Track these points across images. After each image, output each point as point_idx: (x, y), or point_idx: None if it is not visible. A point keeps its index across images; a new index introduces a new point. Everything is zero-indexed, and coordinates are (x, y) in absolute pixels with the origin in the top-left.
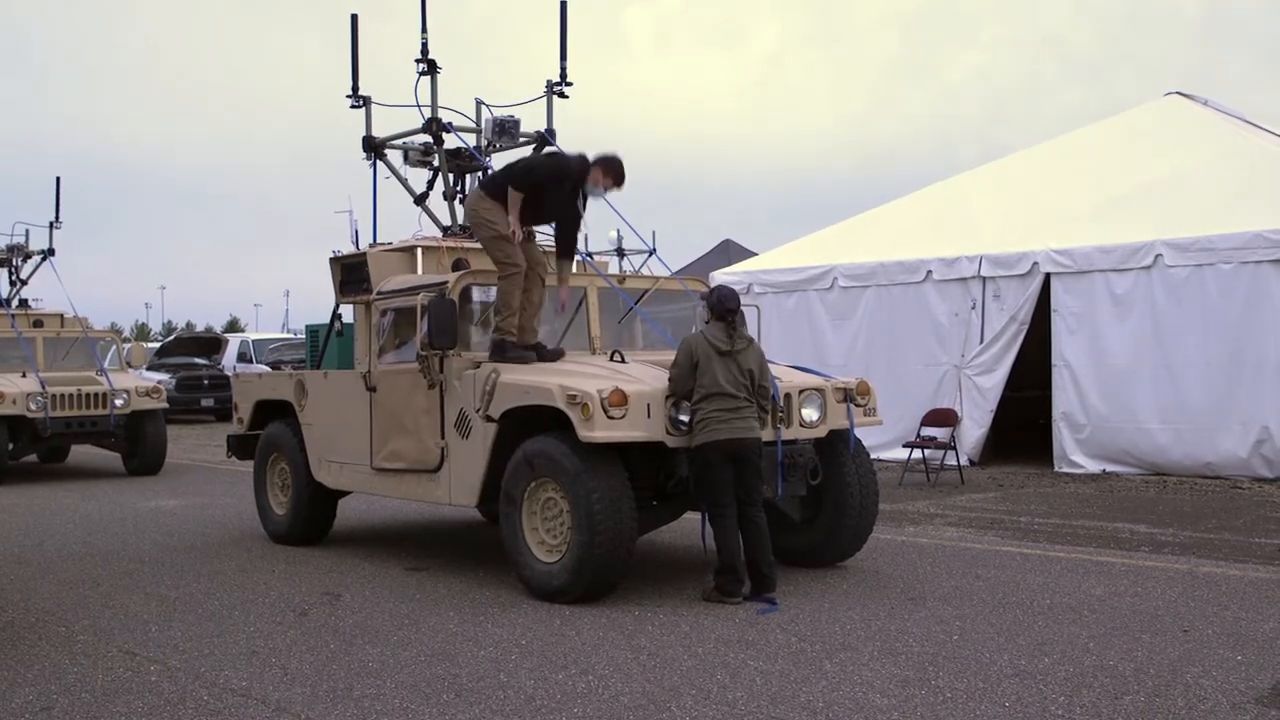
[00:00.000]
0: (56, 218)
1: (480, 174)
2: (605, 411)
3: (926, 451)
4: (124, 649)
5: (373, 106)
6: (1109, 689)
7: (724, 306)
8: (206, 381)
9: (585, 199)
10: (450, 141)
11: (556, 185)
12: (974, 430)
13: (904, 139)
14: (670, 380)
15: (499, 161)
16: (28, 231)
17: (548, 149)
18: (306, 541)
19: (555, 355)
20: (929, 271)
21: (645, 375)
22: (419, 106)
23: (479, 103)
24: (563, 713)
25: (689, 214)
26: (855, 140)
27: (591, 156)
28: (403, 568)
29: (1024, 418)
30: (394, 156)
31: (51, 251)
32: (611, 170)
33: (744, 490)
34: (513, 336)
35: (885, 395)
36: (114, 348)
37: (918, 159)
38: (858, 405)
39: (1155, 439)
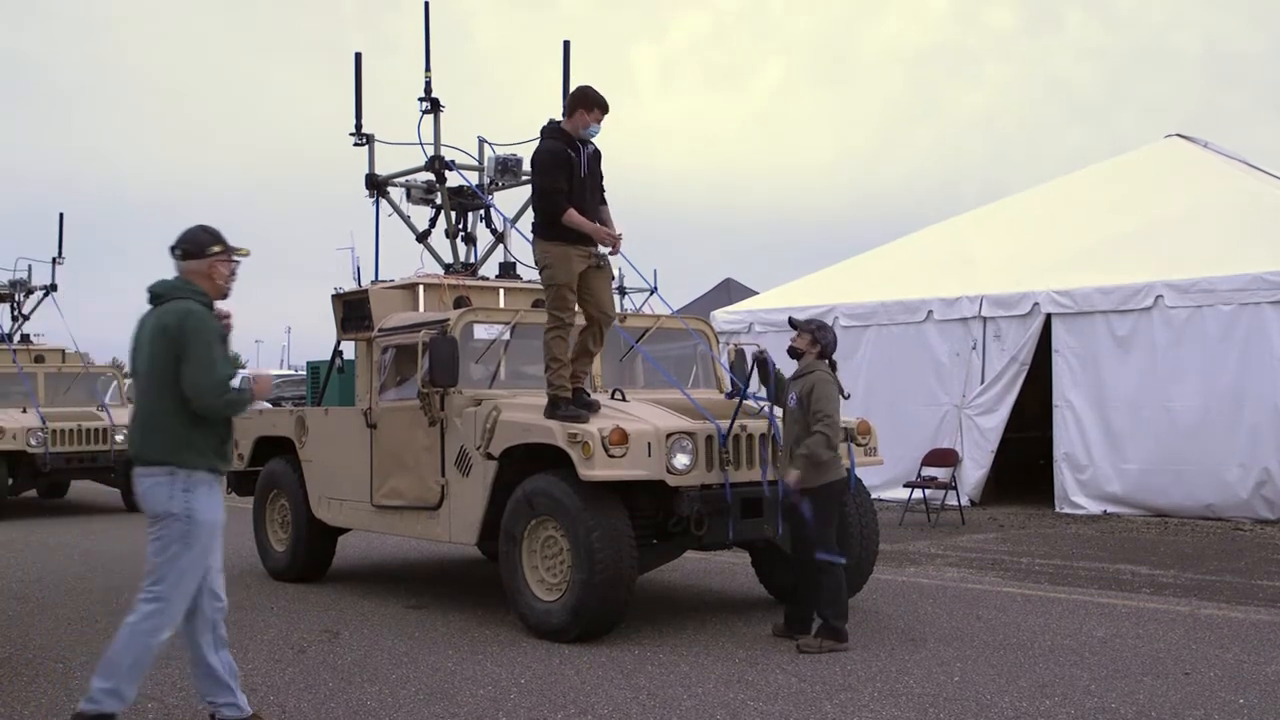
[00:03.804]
0: (59, 253)
1: (482, 212)
2: (606, 450)
3: (927, 491)
4: None
5: (375, 145)
6: None
7: (834, 348)
8: None
9: (588, 143)
10: (453, 179)
11: (570, 169)
12: (975, 470)
13: (906, 179)
14: (834, 420)
15: (501, 200)
16: (30, 267)
17: (526, 163)
18: (306, 579)
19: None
20: (930, 311)
21: (646, 414)
22: (421, 144)
23: (481, 141)
24: None
25: (690, 252)
26: (857, 180)
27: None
28: (402, 605)
29: (1025, 458)
30: (396, 194)
31: (54, 287)
32: (584, 101)
33: None
34: (566, 391)
35: (886, 435)
36: (115, 383)
37: (919, 199)
38: (858, 445)
39: (1156, 480)
